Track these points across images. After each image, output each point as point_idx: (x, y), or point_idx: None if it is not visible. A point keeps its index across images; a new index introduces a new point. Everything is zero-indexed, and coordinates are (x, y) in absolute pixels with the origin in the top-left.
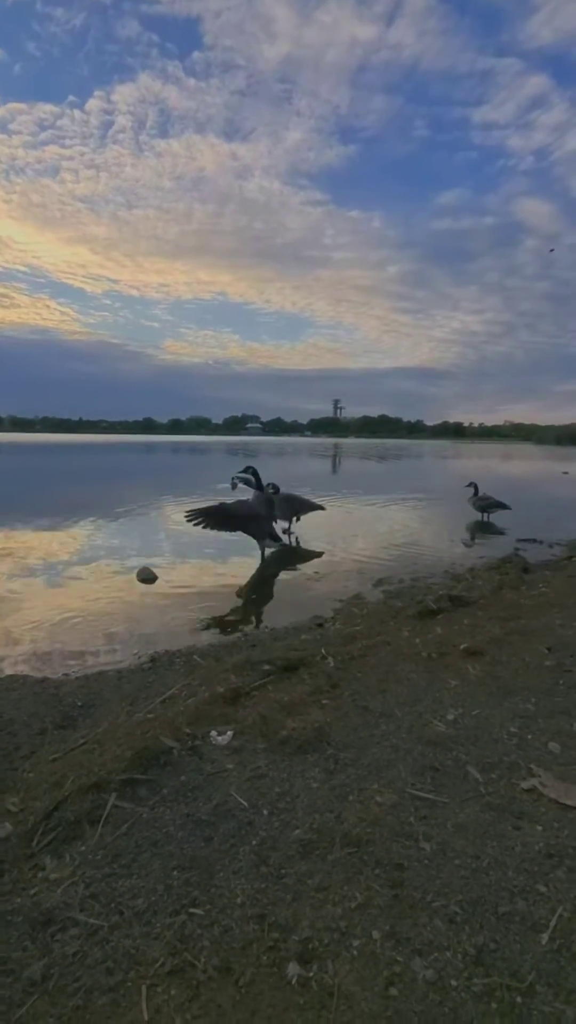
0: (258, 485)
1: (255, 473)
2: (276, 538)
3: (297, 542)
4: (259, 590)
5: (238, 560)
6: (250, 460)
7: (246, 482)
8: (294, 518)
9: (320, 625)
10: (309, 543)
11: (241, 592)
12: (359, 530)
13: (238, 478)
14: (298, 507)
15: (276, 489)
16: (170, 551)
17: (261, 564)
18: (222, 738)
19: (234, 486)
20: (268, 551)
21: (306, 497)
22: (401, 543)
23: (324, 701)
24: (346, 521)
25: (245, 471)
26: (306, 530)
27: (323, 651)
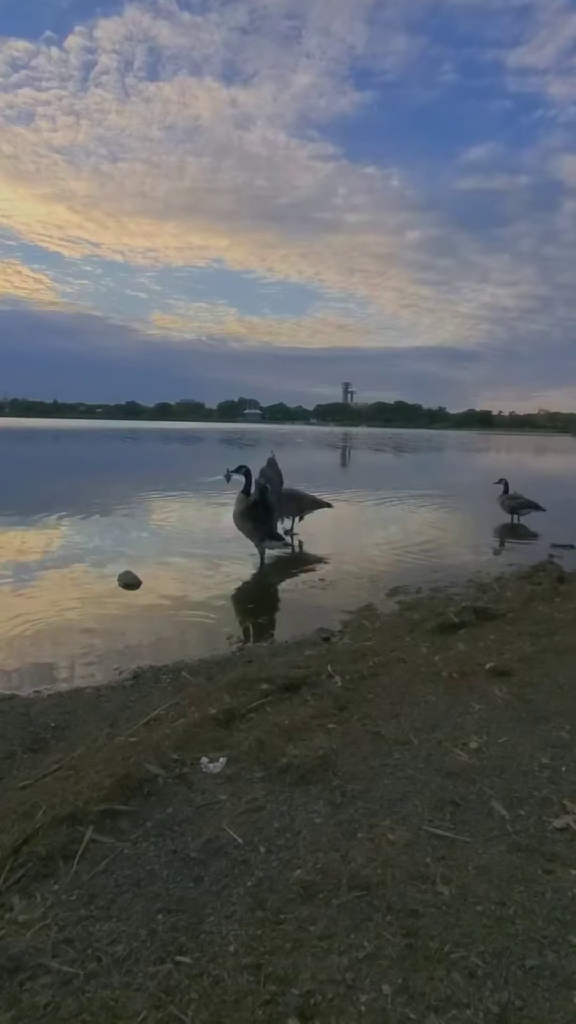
0: (248, 487)
1: (247, 474)
2: (277, 537)
3: (300, 545)
4: (257, 598)
5: (233, 564)
6: (248, 452)
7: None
8: (297, 516)
9: (326, 639)
10: (314, 545)
11: (236, 600)
12: (371, 532)
13: (231, 473)
14: (302, 504)
15: (265, 488)
16: (156, 553)
17: (259, 569)
18: (214, 765)
19: (228, 478)
20: (268, 553)
21: (311, 493)
22: (419, 547)
23: (330, 725)
24: (357, 521)
25: (238, 469)
26: (311, 531)
27: (329, 669)
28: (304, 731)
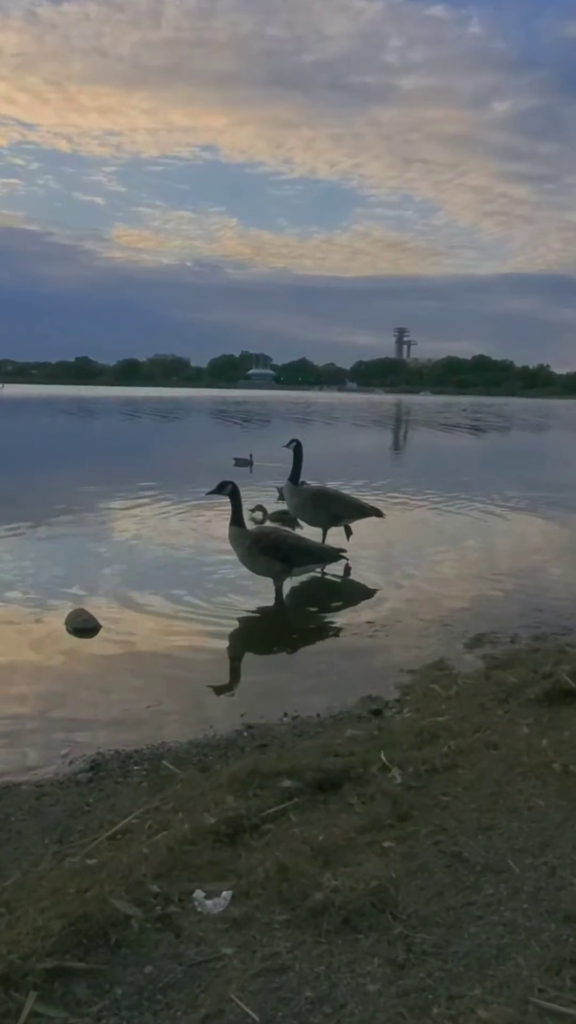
0: (237, 517)
1: (234, 494)
2: (311, 557)
3: (346, 570)
4: (272, 650)
5: (233, 595)
6: (253, 434)
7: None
8: (330, 527)
9: (377, 713)
10: (359, 571)
11: (241, 652)
12: (442, 552)
13: (212, 493)
14: (338, 509)
15: (264, 511)
16: (119, 582)
17: (276, 604)
18: (214, 903)
19: (224, 489)
20: (287, 582)
21: (352, 496)
22: (514, 576)
23: (386, 843)
24: (419, 536)
25: (221, 488)
26: (351, 550)
27: (383, 758)
28: (348, 852)
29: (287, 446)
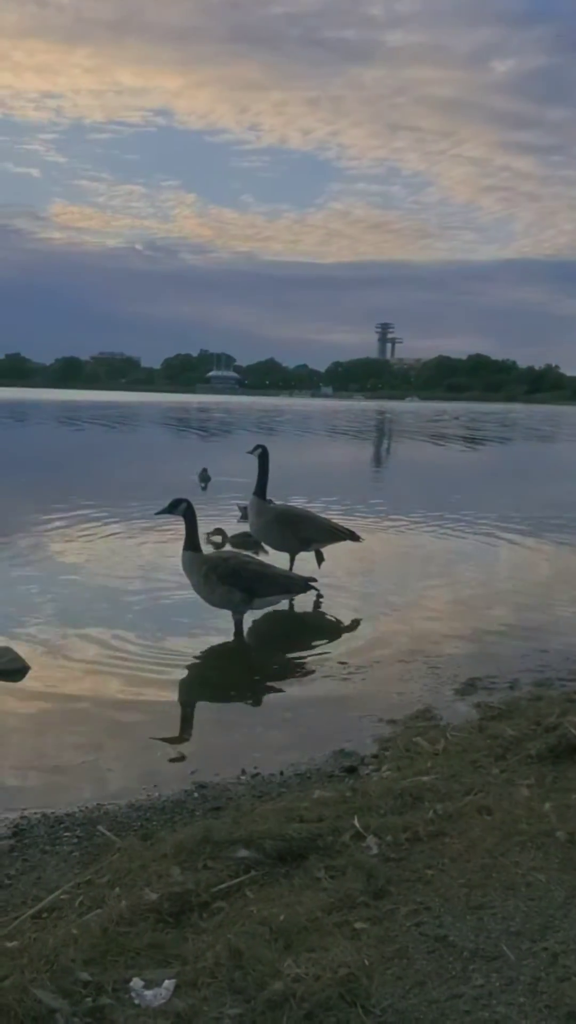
0: (191, 539)
1: (189, 514)
2: (276, 587)
3: (318, 600)
4: (228, 694)
5: (185, 631)
6: (213, 445)
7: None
8: (302, 551)
9: (351, 770)
10: (332, 602)
11: (192, 697)
12: (427, 581)
13: (163, 513)
14: (310, 533)
15: (224, 535)
16: (51, 617)
17: (235, 639)
18: (154, 993)
19: (177, 508)
20: (248, 616)
21: (324, 517)
22: (512, 608)
23: (358, 924)
24: (403, 563)
25: (173, 507)
26: (326, 577)
27: (357, 824)
28: (313, 934)
29: (251, 452)
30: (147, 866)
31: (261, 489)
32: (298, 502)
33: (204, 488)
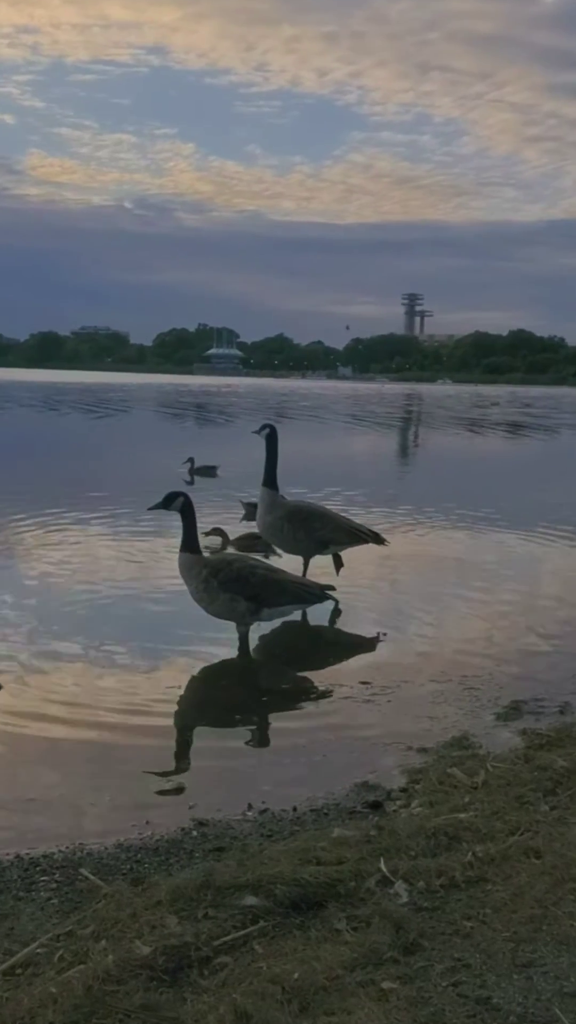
0: (190, 540)
1: (185, 509)
2: (287, 595)
3: (335, 610)
4: (234, 718)
5: (181, 645)
6: (213, 433)
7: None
8: (318, 555)
9: (376, 806)
10: (351, 614)
11: (189, 720)
12: (462, 590)
13: (157, 507)
14: (328, 534)
15: (224, 536)
16: (27, 628)
17: (241, 658)
18: None
19: (172, 503)
20: (254, 628)
21: (344, 516)
22: (562, 622)
23: (386, 984)
24: (433, 569)
25: (168, 502)
26: (345, 586)
27: (383, 867)
28: (333, 995)
29: (257, 433)
30: (138, 915)
31: (271, 478)
32: (316, 498)
33: (191, 481)
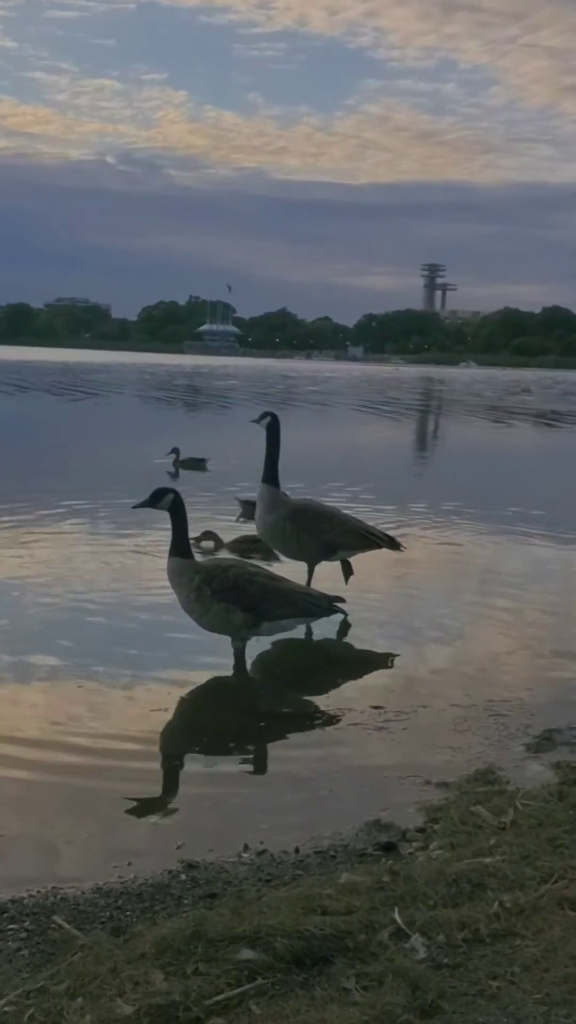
0: (180, 543)
1: (177, 508)
2: (290, 606)
3: (344, 624)
4: (228, 746)
5: (169, 662)
6: (206, 422)
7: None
8: (324, 560)
9: (389, 848)
10: (361, 629)
11: (176, 747)
12: (487, 603)
13: (142, 505)
14: (335, 537)
15: (217, 539)
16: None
17: (237, 676)
18: None
19: (160, 500)
20: (252, 643)
21: (354, 518)
22: None
23: None
24: (454, 578)
25: (156, 499)
26: (354, 596)
27: (398, 918)
28: None
29: (257, 421)
30: (119, 970)
31: (272, 473)
32: (321, 498)
33: (175, 475)
